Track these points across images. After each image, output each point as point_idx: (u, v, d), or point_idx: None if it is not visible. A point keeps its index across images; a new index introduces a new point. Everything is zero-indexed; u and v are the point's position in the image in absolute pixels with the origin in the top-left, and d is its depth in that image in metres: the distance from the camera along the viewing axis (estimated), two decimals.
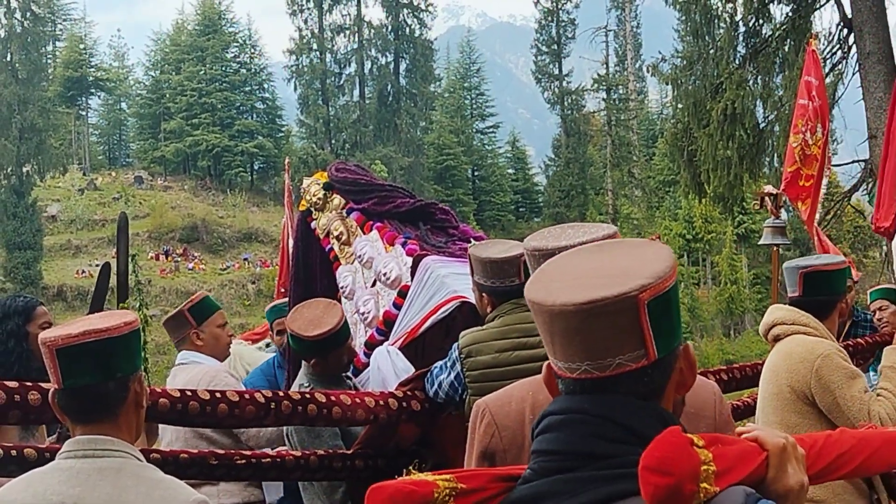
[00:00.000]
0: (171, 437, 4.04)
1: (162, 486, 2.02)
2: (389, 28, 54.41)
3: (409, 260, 4.25)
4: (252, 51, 59.28)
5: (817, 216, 7.22)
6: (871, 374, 4.87)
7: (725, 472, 1.19)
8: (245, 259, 46.83)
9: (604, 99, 52.13)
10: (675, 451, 1.15)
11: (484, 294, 3.19)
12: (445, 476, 1.33)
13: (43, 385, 2.64)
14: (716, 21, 15.45)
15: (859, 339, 5.00)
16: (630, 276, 1.27)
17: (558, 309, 1.26)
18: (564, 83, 53.75)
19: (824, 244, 7.07)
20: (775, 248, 7.81)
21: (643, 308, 1.25)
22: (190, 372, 4.02)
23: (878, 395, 3.32)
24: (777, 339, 3.52)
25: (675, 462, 1.14)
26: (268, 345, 6.18)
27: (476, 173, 58.35)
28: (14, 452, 2.71)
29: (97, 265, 40.60)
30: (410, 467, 1.47)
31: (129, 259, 5.35)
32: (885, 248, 15.34)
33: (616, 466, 1.24)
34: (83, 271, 42.36)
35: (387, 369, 3.92)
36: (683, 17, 17.98)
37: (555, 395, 1.37)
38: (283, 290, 7.73)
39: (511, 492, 1.33)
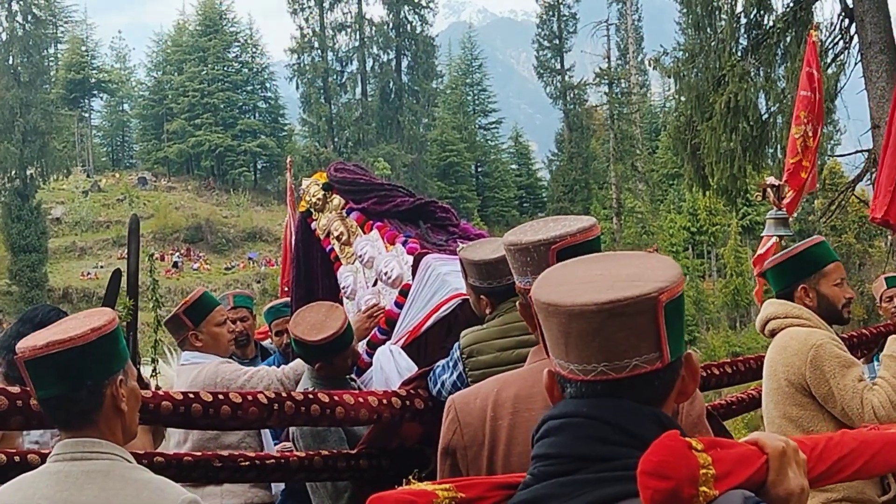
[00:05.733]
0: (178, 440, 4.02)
1: (150, 488, 1.98)
2: (391, 25, 54.40)
3: (410, 259, 4.23)
4: (253, 50, 59.39)
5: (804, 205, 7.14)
6: (875, 363, 4.87)
7: (725, 475, 1.19)
8: (250, 258, 46.92)
9: (606, 93, 51.98)
10: (674, 455, 1.16)
11: (482, 296, 3.16)
12: (445, 486, 1.33)
13: None
14: (717, 13, 15.42)
15: (863, 330, 5.01)
16: (644, 280, 1.29)
17: (578, 309, 1.27)
18: (566, 78, 53.72)
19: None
20: (778, 240, 7.79)
21: (661, 310, 1.27)
22: (191, 373, 4.03)
23: (874, 383, 3.32)
24: (773, 333, 3.54)
25: (673, 466, 1.15)
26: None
27: (479, 169, 58.34)
28: (17, 458, 2.70)
29: (102, 267, 40.77)
30: (411, 476, 1.47)
31: (149, 259, 5.38)
32: (889, 237, 15.32)
33: (614, 469, 1.24)
34: (88, 273, 42.51)
35: (390, 368, 3.91)
36: (685, 10, 17.94)
37: (556, 401, 1.37)
38: (286, 288, 7.73)
39: (510, 498, 1.34)
